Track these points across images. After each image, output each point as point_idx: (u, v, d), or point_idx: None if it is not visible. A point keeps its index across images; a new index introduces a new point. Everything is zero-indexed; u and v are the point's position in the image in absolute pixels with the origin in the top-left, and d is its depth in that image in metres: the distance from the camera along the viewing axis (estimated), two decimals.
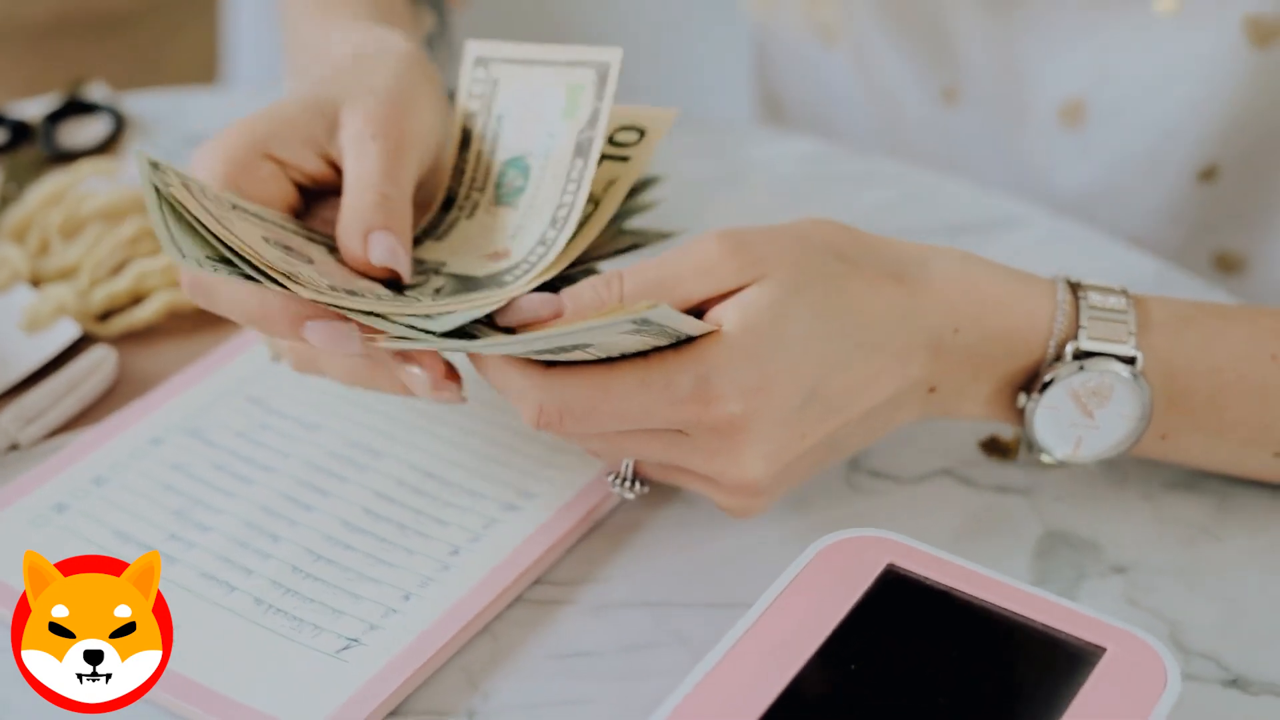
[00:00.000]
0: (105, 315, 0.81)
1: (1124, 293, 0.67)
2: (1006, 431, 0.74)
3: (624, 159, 0.71)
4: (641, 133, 0.71)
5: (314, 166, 0.68)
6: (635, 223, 0.74)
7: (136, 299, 0.82)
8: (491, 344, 0.61)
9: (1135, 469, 0.72)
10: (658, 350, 0.61)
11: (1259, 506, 0.71)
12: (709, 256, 0.61)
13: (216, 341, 0.80)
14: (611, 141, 0.71)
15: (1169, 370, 0.67)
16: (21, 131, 0.95)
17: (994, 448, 0.74)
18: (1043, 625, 0.58)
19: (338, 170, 0.69)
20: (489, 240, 0.69)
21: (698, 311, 0.62)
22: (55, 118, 0.97)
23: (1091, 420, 0.67)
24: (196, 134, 0.96)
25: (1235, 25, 0.91)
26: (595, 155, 0.68)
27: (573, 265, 0.68)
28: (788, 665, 0.56)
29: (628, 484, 0.67)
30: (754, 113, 1.18)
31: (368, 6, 0.83)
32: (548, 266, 0.67)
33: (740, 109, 1.25)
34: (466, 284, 0.66)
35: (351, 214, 0.66)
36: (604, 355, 0.61)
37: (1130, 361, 0.66)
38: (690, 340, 0.61)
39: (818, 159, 0.97)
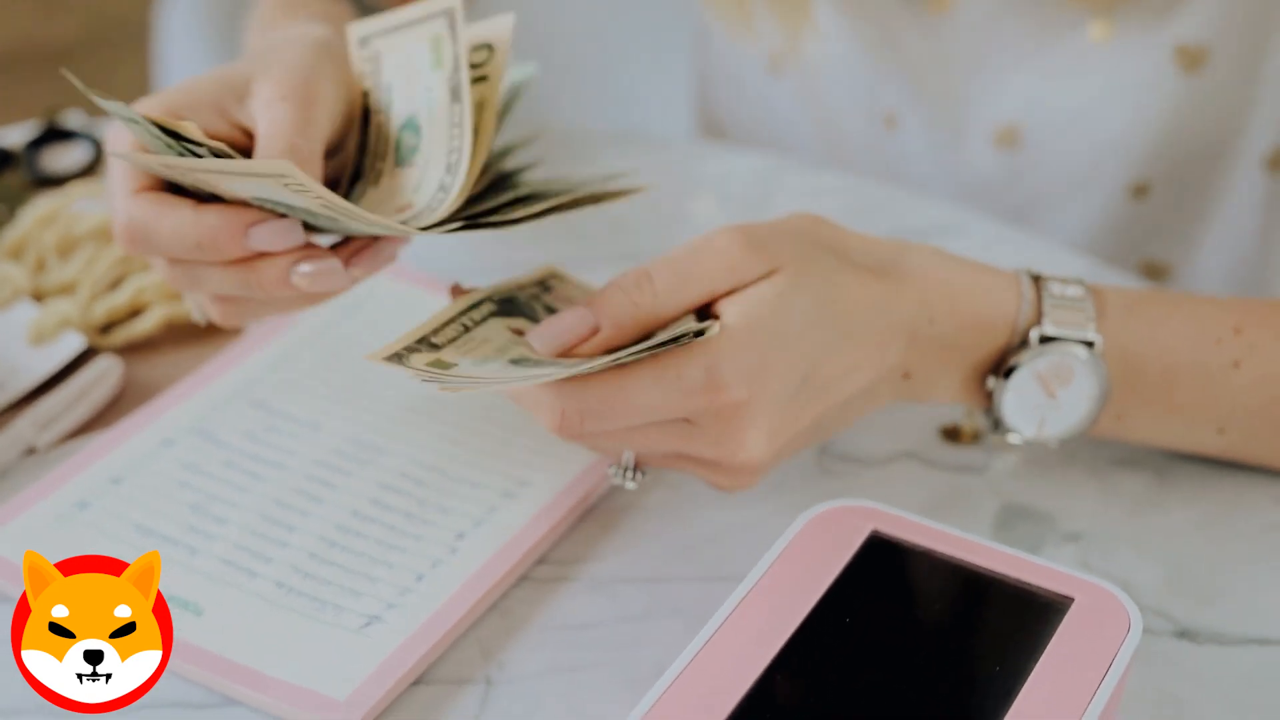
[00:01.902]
0: (105, 328, 0.85)
1: (1081, 283, 0.73)
2: (965, 419, 0.80)
3: (483, 79, 0.74)
4: (489, 48, 0.74)
5: (224, 130, 0.71)
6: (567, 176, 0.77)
7: (135, 312, 0.86)
8: (556, 371, 0.64)
9: (1082, 448, 0.79)
10: (662, 346, 0.66)
11: (1195, 479, 0.77)
12: (731, 254, 0.66)
13: (213, 351, 0.84)
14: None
15: (1124, 353, 0.73)
16: (4, 158, 0.99)
17: (954, 435, 0.80)
18: (1016, 580, 0.64)
19: (246, 134, 0.72)
20: (394, 199, 0.73)
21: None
22: (36, 145, 1.00)
23: (1054, 400, 0.73)
24: None
25: (1165, 53, 0.98)
26: (467, 96, 0.71)
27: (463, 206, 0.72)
28: (786, 623, 0.62)
29: (629, 473, 0.72)
30: (694, 134, 1.24)
31: (319, 20, 0.88)
32: (449, 204, 0.70)
33: (680, 129, 1.30)
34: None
35: None
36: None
37: (1089, 345, 0.72)
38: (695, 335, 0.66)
39: (768, 173, 1.03)
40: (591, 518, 0.75)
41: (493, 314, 0.71)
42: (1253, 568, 0.73)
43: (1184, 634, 0.70)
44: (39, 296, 0.86)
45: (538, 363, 0.67)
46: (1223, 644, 0.69)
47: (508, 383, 0.64)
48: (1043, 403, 0.74)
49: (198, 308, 0.75)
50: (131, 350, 0.85)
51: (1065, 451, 0.79)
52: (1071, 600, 0.63)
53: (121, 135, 0.70)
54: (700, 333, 0.65)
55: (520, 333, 0.70)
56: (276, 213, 0.68)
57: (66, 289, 0.87)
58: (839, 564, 0.64)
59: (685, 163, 1.05)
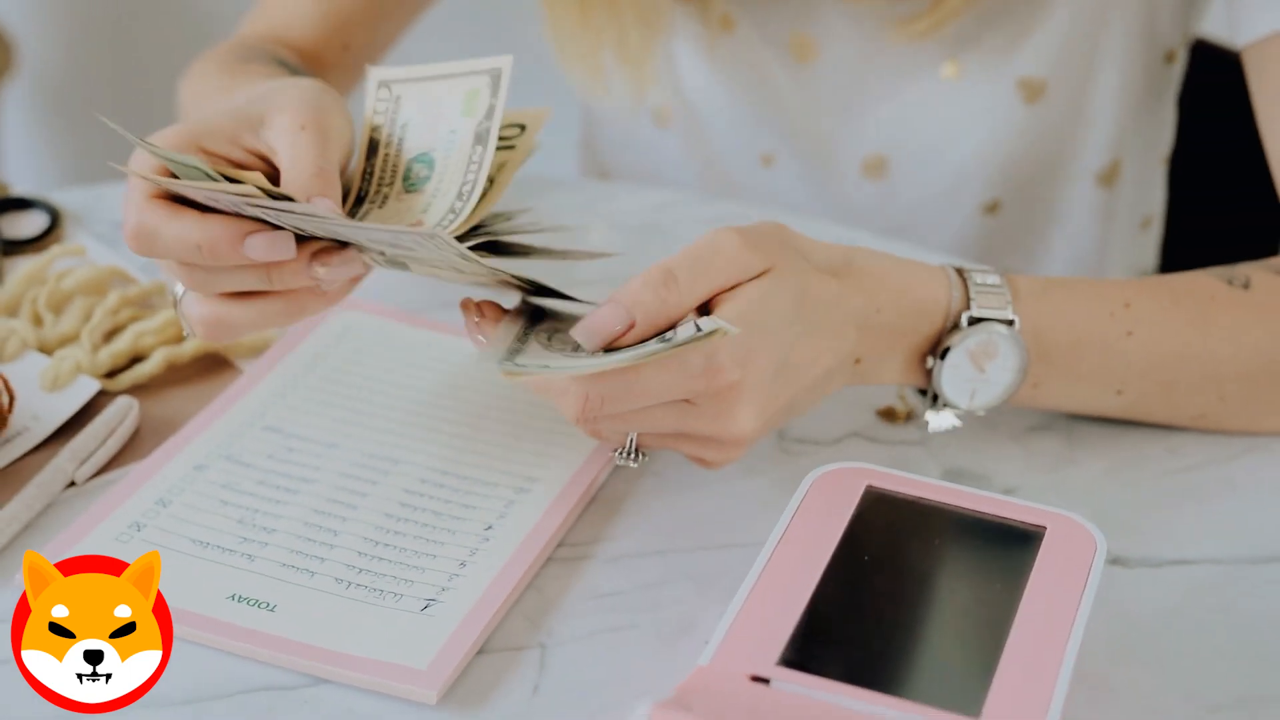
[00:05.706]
0: (110, 374, 0.92)
1: (996, 271, 0.86)
2: (898, 401, 0.92)
3: (510, 147, 0.85)
4: (522, 127, 0.85)
5: (240, 156, 0.81)
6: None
7: (136, 358, 0.93)
8: (603, 362, 0.74)
9: (1002, 419, 0.91)
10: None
11: (1100, 437, 0.90)
12: (740, 254, 0.77)
13: (215, 386, 0.92)
14: (499, 136, 0.84)
15: (1037, 329, 0.85)
16: None
17: (890, 415, 0.92)
18: (994, 516, 0.75)
19: (261, 159, 0.81)
20: (402, 218, 0.82)
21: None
22: None
23: (983, 374, 0.85)
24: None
25: (1009, 86, 1.12)
26: (493, 141, 0.81)
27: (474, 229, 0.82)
28: (813, 570, 0.72)
29: (631, 455, 0.82)
30: (580, 177, 1.35)
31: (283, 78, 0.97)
32: (457, 226, 0.80)
33: (567, 174, 1.40)
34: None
35: (293, 186, 0.78)
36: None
37: (1010, 324, 0.84)
38: None
39: (662, 206, 1.14)
40: (595, 506, 0.85)
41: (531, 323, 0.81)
42: (1159, 506, 0.86)
43: (1117, 561, 0.82)
44: (43, 349, 0.93)
45: (574, 355, 0.76)
46: (1150, 566, 0.82)
47: (565, 370, 0.74)
48: (974, 377, 0.86)
49: (187, 326, 0.82)
50: (138, 391, 0.92)
51: (988, 422, 0.91)
52: (1045, 529, 0.75)
53: (144, 160, 0.78)
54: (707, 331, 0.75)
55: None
56: (271, 224, 0.76)
57: (66, 340, 0.93)
58: (845, 516, 0.75)
59: (580, 200, 1.15)
